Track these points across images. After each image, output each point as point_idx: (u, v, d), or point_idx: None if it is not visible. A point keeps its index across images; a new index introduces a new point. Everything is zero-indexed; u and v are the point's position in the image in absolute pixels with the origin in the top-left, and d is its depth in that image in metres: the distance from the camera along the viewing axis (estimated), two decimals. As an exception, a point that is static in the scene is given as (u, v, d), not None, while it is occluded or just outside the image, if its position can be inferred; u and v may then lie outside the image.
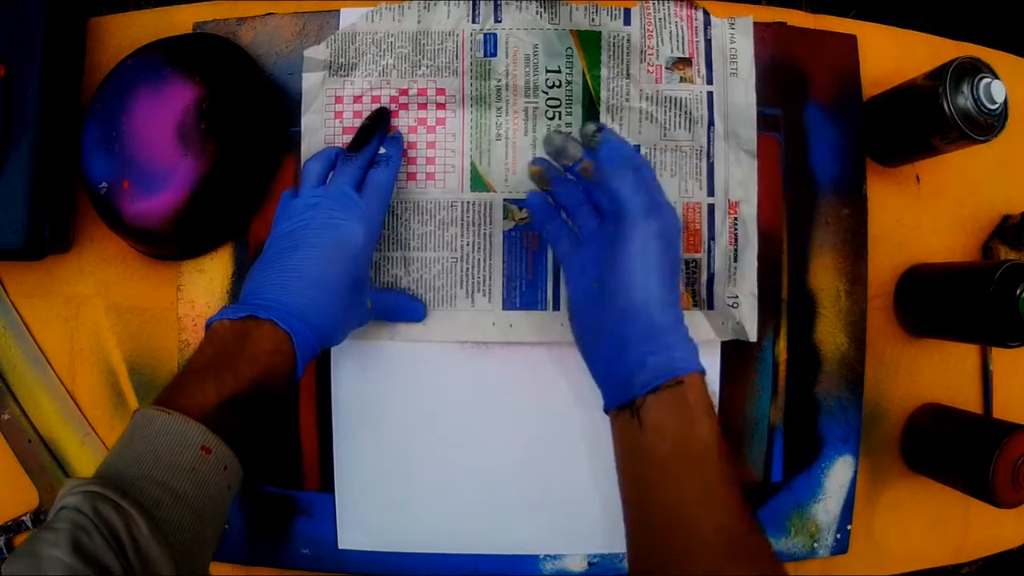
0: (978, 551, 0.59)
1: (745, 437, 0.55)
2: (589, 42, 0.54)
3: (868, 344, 0.55)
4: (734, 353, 0.54)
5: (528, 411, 0.54)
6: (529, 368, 0.53)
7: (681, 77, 0.54)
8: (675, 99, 0.54)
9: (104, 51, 0.57)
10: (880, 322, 0.57)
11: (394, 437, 0.54)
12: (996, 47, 0.58)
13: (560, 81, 0.53)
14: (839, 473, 0.55)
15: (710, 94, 0.54)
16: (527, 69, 0.53)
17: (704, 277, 0.53)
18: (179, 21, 0.57)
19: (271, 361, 0.41)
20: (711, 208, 0.53)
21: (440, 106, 0.53)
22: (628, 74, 0.54)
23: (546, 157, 0.49)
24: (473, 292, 0.53)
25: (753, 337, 0.53)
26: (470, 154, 0.53)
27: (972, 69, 0.48)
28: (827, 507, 0.55)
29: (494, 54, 0.54)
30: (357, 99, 0.54)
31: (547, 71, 0.53)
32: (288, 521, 0.54)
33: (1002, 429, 0.50)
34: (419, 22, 0.54)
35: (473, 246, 0.53)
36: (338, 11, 0.55)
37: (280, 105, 0.55)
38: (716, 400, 0.41)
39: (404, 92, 0.54)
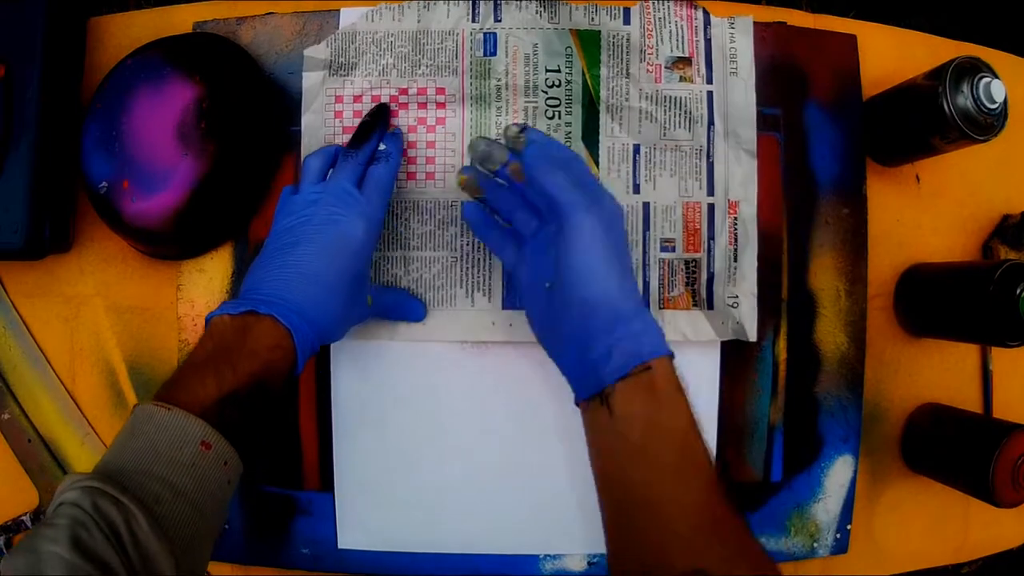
0: (978, 551, 0.59)
1: (745, 437, 0.55)
2: (589, 41, 0.54)
3: (868, 344, 0.55)
4: (734, 353, 0.54)
5: (528, 411, 0.54)
6: (529, 368, 0.53)
7: (681, 76, 0.54)
8: (675, 98, 0.54)
9: (104, 51, 0.57)
10: (880, 322, 0.57)
11: (394, 437, 0.54)
12: (996, 47, 0.58)
13: (560, 80, 0.53)
14: (839, 473, 0.55)
15: (710, 93, 0.54)
16: (527, 68, 0.54)
17: (704, 277, 0.53)
18: (179, 21, 0.57)
19: (271, 357, 0.41)
20: (711, 208, 0.53)
21: (440, 105, 0.53)
22: (628, 73, 0.54)
23: (474, 165, 0.49)
24: (473, 291, 0.53)
25: (753, 337, 0.53)
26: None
27: (972, 69, 0.48)
28: (827, 507, 0.55)
29: (494, 53, 0.54)
30: (357, 98, 0.54)
31: (547, 70, 0.53)
32: (288, 521, 0.54)
33: (1002, 429, 0.50)
34: (419, 21, 0.54)
35: (473, 245, 0.53)
36: (338, 11, 0.55)
37: (280, 105, 0.55)
38: (686, 384, 0.41)
39: (404, 91, 0.54)
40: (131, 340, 0.56)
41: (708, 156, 0.54)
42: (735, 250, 0.53)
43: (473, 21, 0.54)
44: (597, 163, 0.53)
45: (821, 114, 0.56)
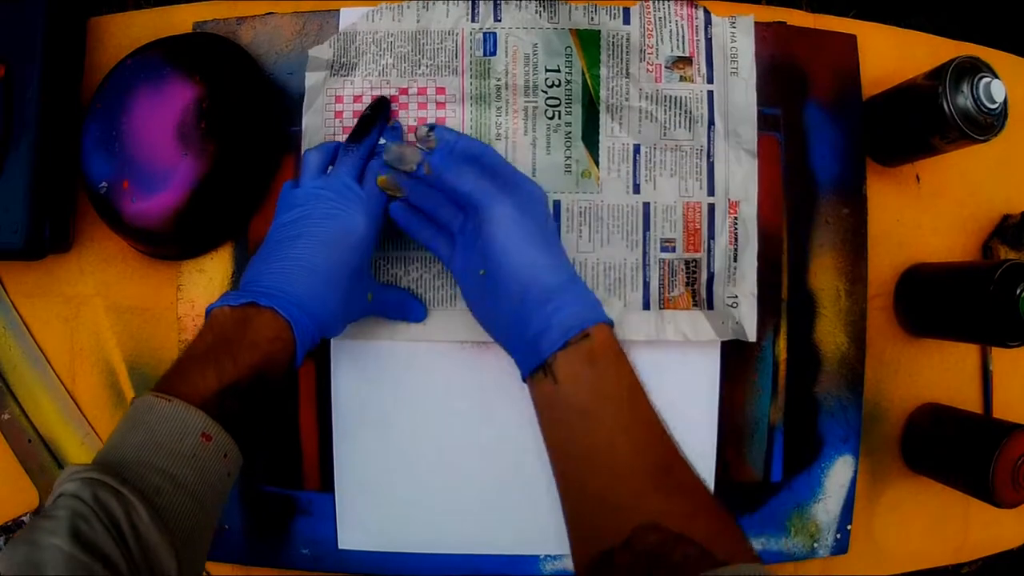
0: (978, 551, 0.59)
1: (745, 437, 0.55)
2: (588, 41, 0.54)
3: (868, 344, 0.55)
4: (734, 353, 0.54)
5: (528, 411, 0.53)
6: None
7: (681, 76, 0.54)
8: (675, 98, 0.53)
9: (104, 51, 0.57)
10: (880, 322, 0.57)
11: (394, 437, 0.54)
12: (996, 47, 0.59)
13: (560, 80, 0.53)
14: (839, 473, 0.55)
15: (710, 93, 0.54)
16: (527, 68, 0.53)
17: (704, 277, 0.53)
18: (179, 21, 0.57)
19: (271, 348, 0.41)
20: (711, 208, 0.53)
21: (440, 105, 0.53)
22: (628, 73, 0.54)
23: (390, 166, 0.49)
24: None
25: (752, 337, 0.53)
26: (470, 154, 0.53)
27: (972, 69, 0.48)
28: (827, 507, 0.55)
29: (493, 53, 0.54)
30: (357, 99, 0.54)
31: (546, 70, 0.53)
32: (288, 521, 0.54)
33: (1002, 429, 0.50)
34: (418, 21, 0.54)
35: (473, 246, 0.53)
36: (338, 11, 0.55)
37: (280, 105, 0.55)
38: (627, 350, 0.42)
39: (404, 91, 0.54)
40: (131, 340, 0.56)
41: (708, 156, 0.54)
42: (735, 250, 0.53)
43: (473, 21, 0.54)
44: (597, 163, 0.53)
45: (821, 114, 0.56)
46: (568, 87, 0.53)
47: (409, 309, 0.52)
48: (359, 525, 0.54)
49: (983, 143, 0.49)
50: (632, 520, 0.35)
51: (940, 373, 0.57)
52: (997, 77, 0.48)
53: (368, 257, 0.49)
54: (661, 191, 0.53)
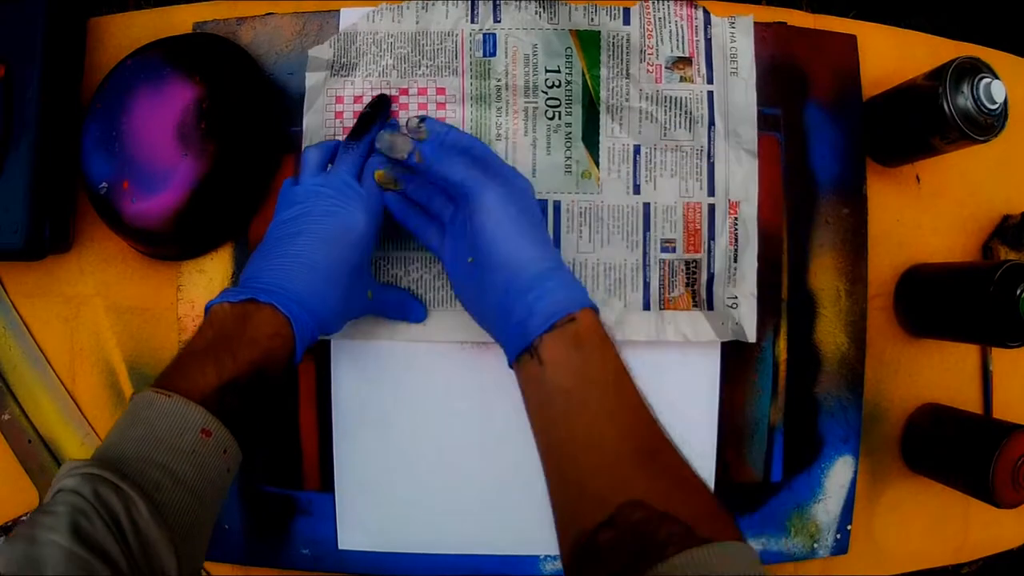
0: (978, 551, 0.59)
1: (745, 437, 0.55)
2: (588, 42, 0.54)
3: (868, 344, 0.55)
4: (734, 353, 0.54)
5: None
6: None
7: (681, 76, 0.54)
8: (675, 99, 0.53)
9: (104, 51, 0.57)
10: (880, 322, 0.57)
11: (394, 437, 0.54)
12: (996, 47, 0.58)
13: (560, 81, 0.53)
14: (839, 473, 0.55)
15: (710, 93, 0.54)
16: (526, 69, 0.53)
17: (704, 277, 0.53)
18: (179, 21, 0.57)
19: (271, 345, 0.41)
20: (711, 208, 0.53)
21: (440, 105, 0.53)
22: (628, 74, 0.54)
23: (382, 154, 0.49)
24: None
25: (752, 338, 0.53)
26: (470, 154, 0.53)
27: (972, 69, 0.48)
28: (827, 507, 0.55)
29: (493, 54, 0.54)
30: (358, 99, 0.54)
31: (546, 71, 0.53)
32: (288, 521, 0.54)
33: (1002, 429, 0.50)
34: (417, 23, 0.54)
35: (473, 246, 0.53)
36: (338, 11, 0.55)
37: (280, 105, 0.55)
38: (613, 335, 0.42)
39: (404, 92, 0.54)
40: (131, 340, 0.56)
41: (709, 156, 0.54)
42: (735, 250, 0.53)
43: (472, 22, 0.54)
44: (597, 163, 0.53)
45: (821, 114, 0.56)
46: (568, 88, 0.53)
47: (409, 309, 0.52)
48: (359, 525, 0.54)
49: (983, 143, 0.49)
50: (616, 499, 0.35)
51: (940, 373, 0.57)
52: (997, 77, 0.48)
53: (368, 255, 0.49)
54: (661, 191, 0.53)
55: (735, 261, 0.53)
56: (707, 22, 0.54)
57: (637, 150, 0.53)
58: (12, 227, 0.52)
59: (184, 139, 0.50)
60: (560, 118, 0.53)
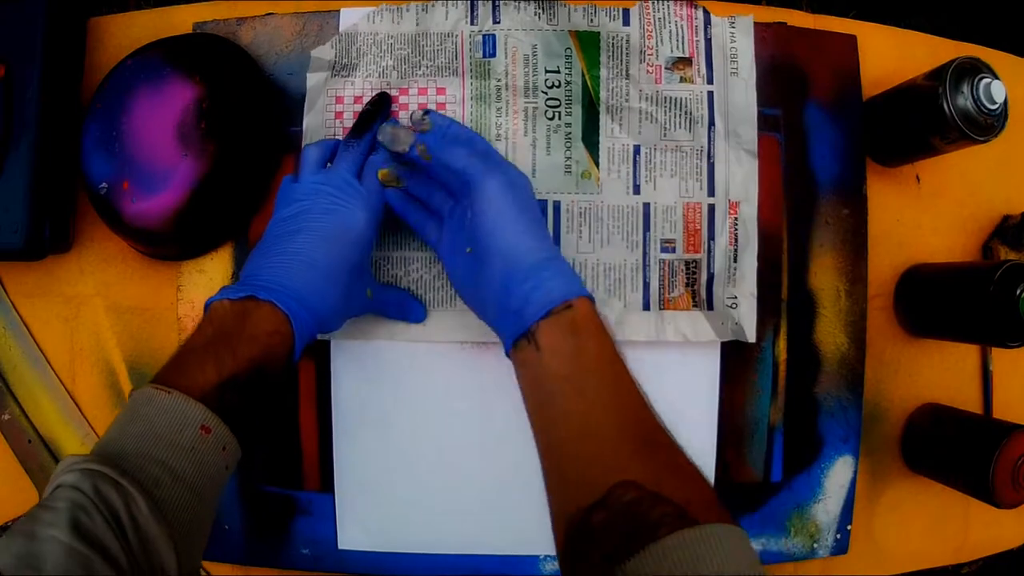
0: (978, 551, 0.59)
1: (745, 437, 0.55)
2: (588, 42, 0.54)
3: (868, 344, 0.55)
4: (734, 353, 0.54)
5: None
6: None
7: (681, 77, 0.54)
8: (675, 99, 0.53)
9: (104, 51, 0.57)
10: (880, 322, 0.57)
11: (394, 437, 0.54)
12: (996, 47, 0.58)
13: (559, 81, 0.53)
14: (839, 473, 0.55)
15: (710, 94, 0.54)
16: (526, 69, 0.53)
17: (704, 277, 0.53)
18: (179, 21, 0.57)
19: (270, 342, 0.41)
20: (711, 208, 0.53)
21: (440, 106, 0.53)
22: (627, 74, 0.54)
23: (388, 154, 0.50)
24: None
25: (752, 338, 0.53)
26: (470, 154, 0.53)
27: (972, 69, 0.48)
28: (827, 507, 0.55)
29: (493, 55, 0.54)
30: (358, 99, 0.54)
31: (546, 71, 0.53)
32: (288, 521, 0.54)
33: (1002, 429, 0.50)
34: (417, 24, 0.54)
35: (473, 246, 0.53)
36: (338, 12, 0.55)
37: (280, 105, 0.55)
38: (609, 324, 0.43)
39: (404, 92, 0.54)
40: (131, 340, 0.56)
41: (709, 156, 0.54)
42: (735, 250, 0.53)
43: (472, 23, 0.54)
44: (597, 164, 0.53)
45: (821, 114, 0.56)
46: (568, 88, 0.53)
47: (409, 309, 0.53)
48: (359, 525, 0.54)
49: (983, 143, 0.49)
50: (609, 480, 0.35)
51: (940, 373, 0.57)
52: (997, 77, 0.48)
53: (368, 253, 0.49)
54: (661, 192, 0.53)
55: (735, 261, 0.53)
56: (707, 22, 0.54)
57: (637, 150, 0.53)
58: (12, 227, 0.52)
59: (184, 139, 0.50)
60: (560, 118, 0.53)
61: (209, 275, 0.55)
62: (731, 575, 0.30)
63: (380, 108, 0.51)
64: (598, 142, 0.53)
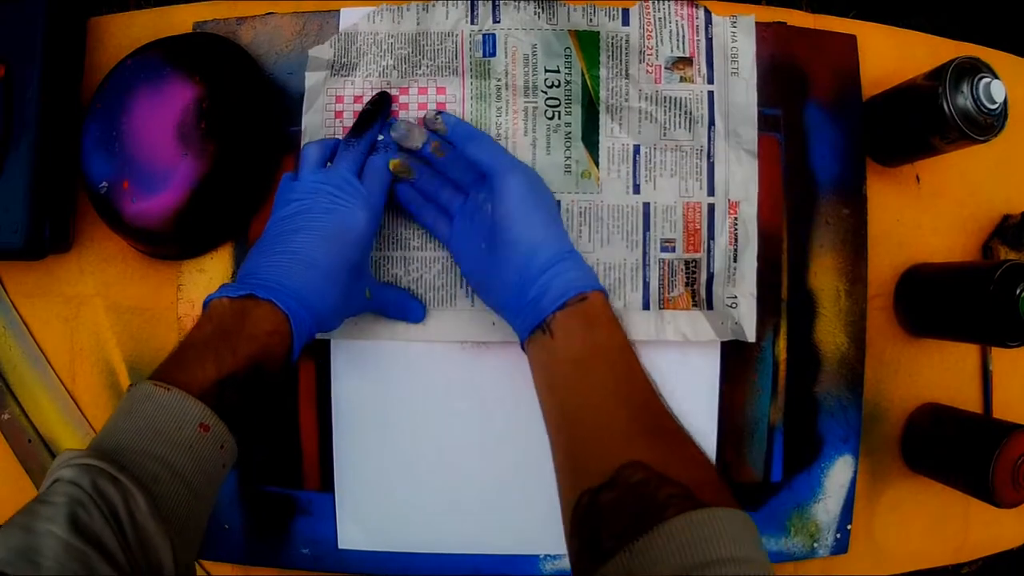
0: (978, 551, 0.59)
1: (745, 437, 0.55)
2: (588, 42, 0.54)
3: (868, 344, 0.55)
4: (734, 353, 0.54)
5: (528, 411, 0.53)
6: (529, 368, 0.53)
7: (681, 77, 0.54)
8: (675, 99, 0.53)
9: (104, 51, 0.57)
10: (880, 322, 0.57)
11: (394, 437, 0.54)
12: (996, 47, 0.58)
13: (559, 81, 0.53)
14: (839, 473, 0.55)
15: (711, 93, 0.54)
16: (526, 69, 0.53)
17: (704, 277, 0.53)
18: (179, 21, 0.57)
19: (269, 341, 0.42)
20: (711, 208, 0.53)
21: (440, 105, 0.53)
22: (627, 74, 0.54)
23: (400, 148, 0.51)
24: (473, 292, 0.53)
25: (752, 338, 0.53)
26: (470, 154, 0.53)
27: (972, 69, 0.48)
28: (827, 507, 0.55)
29: (493, 54, 0.54)
30: (357, 99, 0.54)
31: (546, 71, 0.53)
32: (288, 521, 0.54)
33: (1002, 429, 0.50)
34: (418, 24, 0.54)
35: (473, 246, 0.53)
36: (338, 11, 0.55)
37: (280, 105, 0.55)
38: (621, 317, 0.44)
39: (405, 91, 0.54)
40: (131, 340, 0.56)
41: (708, 156, 0.54)
42: (735, 250, 0.53)
43: (472, 23, 0.54)
44: (597, 163, 0.53)
45: (821, 114, 0.56)
46: (568, 88, 0.53)
47: (408, 309, 0.53)
48: (359, 525, 0.54)
49: (983, 143, 0.49)
50: (617, 461, 0.35)
51: (940, 373, 0.57)
52: (997, 77, 0.48)
53: (367, 253, 0.49)
54: (661, 191, 0.53)
55: (735, 261, 0.53)
56: (708, 22, 0.54)
57: (637, 150, 0.53)
58: (12, 227, 0.52)
59: (184, 139, 0.50)
60: (560, 118, 0.53)
61: (209, 275, 0.55)
62: (736, 556, 0.30)
63: (380, 108, 0.51)
64: (598, 142, 0.53)
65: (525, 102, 0.53)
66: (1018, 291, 0.47)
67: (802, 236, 0.55)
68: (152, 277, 0.56)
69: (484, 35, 0.54)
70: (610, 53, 0.54)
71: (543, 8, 0.54)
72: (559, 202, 0.53)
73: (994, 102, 0.48)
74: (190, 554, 0.37)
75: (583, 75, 0.54)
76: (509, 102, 0.53)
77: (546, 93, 0.53)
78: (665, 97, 0.53)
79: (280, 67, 0.56)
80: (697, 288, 0.53)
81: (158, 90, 0.51)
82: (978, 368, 0.58)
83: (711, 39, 0.54)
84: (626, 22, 0.54)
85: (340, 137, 0.52)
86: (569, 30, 0.54)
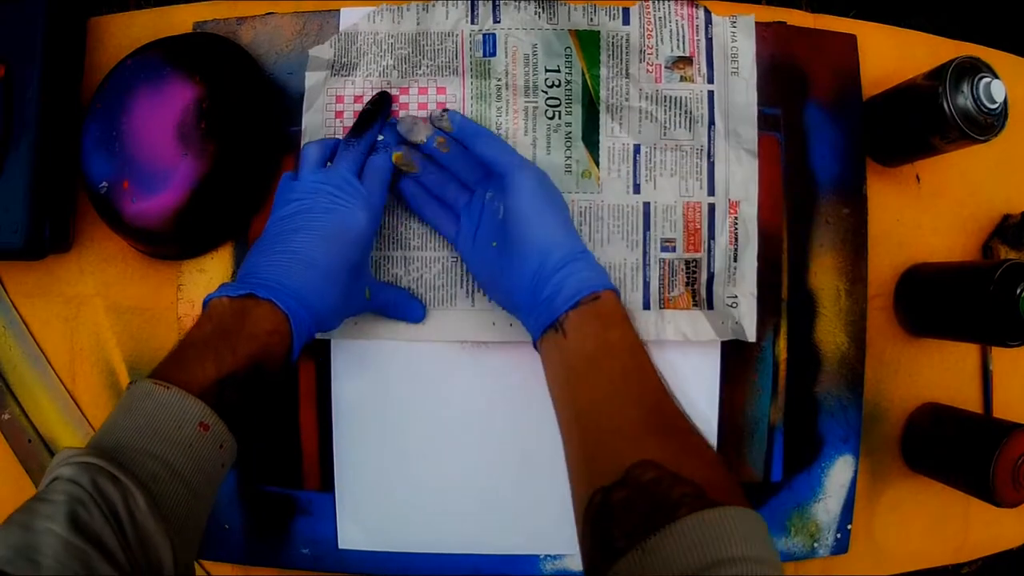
0: (978, 551, 0.59)
1: (745, 437, 0.55)
2: (588, 42, 0.54)
3: (868, 344, 0.55)
4: (734, 353, 0.54)
5: (528, 411, 0.54)
6: (529, 368, 0.53)
7: (681, 76, 0.54)
8: (675, 98, 0.53)
9: (104, 51, 0.57)
10: (880, 322, 0.57)
11: (394, 437, 0.54)
12: (996, 47, 0.58)
13: (559, 81, 0.53)
14: (839, 473, 0.55)
15: (711, 93, 0.54)
16: (526, 69, 0.53)
17: (704, 277, 0.53)
18: (179, 21, 0.57)
19: (269, 341, 0.41)
20: (711, 208, 0.53)
21: (440, 105, 0.53)
22: (627, 73, 0.54)
23: (404, 143, 0.51)
24: (473, 292, 0.53)
25: (752, 337, 0.53)
26: (470, 154, 0.53)
27: (972, 69, 0.48)
28: (827, 507, 0.55)
29: (493, 54, 0.54)
30: (358, 99, 0.54)
31: (546, 71, 0.53)
32: (288, 521, 0.54)
33: (1002, 429, 0.50)
34: (418, 24, 0.54)
35: (473, 246, 0.53)
36: (338, 11, 0.55)
37: (280, 105, 0.55)
38: (633, 316, 0.44)
39: (405, 91, 0.54)
40: (131, 340, 0.56)
41: (709, 156, 0.54)
42: (735, 250, 0.53)
43: (472, 23, 0.54)
44: (597, 163, 0.53)
45: (821, 114, 0.56)
46: (568, 87, 0.53)
47: (408, 309, 0.52)
48: (359, 525, 0.54)
49: (983, 143, 0.49)
50: (629, 459, 0.36)
51: (940, 373, 0.57)
52: (997, 77, 0.48)
53: (367, 253, 0.49)
54: (661, 191, 0.53)
55: (735, 260, 0.53)
56: (708, 21, 0.54)
57: (637, 150, 0.53)
58: (12, 227, 0.52)
59: (184, 139, 0.50)
60: (560, 118, 0.53)
61: (209, 275, 0.55)
62: (748, 556, 0.30)
63: (380, 107, 0.51)
64: (598, 141, 0.53)
65: (525, 102, 0.53)
66: (1018, 291, 0.47)
67: (802, 236, 0.55)
68: (152, 277, 0.56)
69: (484, 35, 0.54)
70: (610, 52, 0.54)
71: (543, 8, 0.54)
72: None
73: (994, 102, 0.48)
74: (190, 553, 0.37)
75: (583, 75, 0.54)
76: (509, 102, 0.53)
77: (546, 93, 0.53)
78: (665, 97, 0.53)
79: (280, 67, 0.55)
80: (697, 288, 0.53)
81: (158, 90, 0.51)
82: (978, 368, 0.58)
83: (711, 39, 0.54)
84: (627, 21, 0.54)
85: (340, 137, 0.52)
86: (569, 30, 0.54)
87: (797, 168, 0.55)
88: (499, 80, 0.53)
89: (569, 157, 0.53)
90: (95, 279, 0.56)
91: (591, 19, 0.54)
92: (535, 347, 0.45)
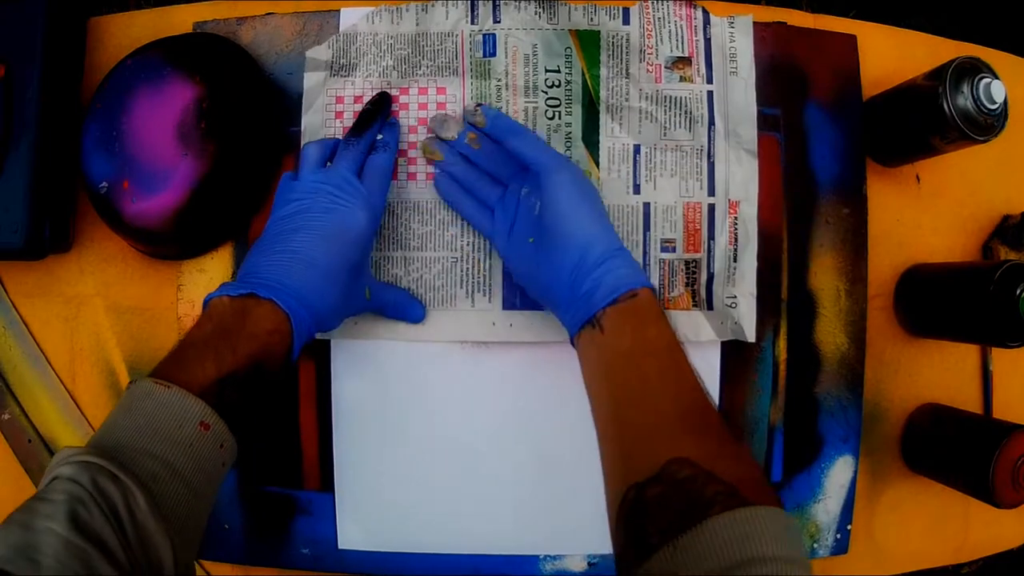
0: (978, 551, 0.59)
1: (745, 437, 0.55)
2: (588, 42, 0.54)
3: (868, 344, 0.55)
4: (734, 353, 0.54)
5: (528, 411, 0.54)
6: (529, 368, 0.53)
7: (681, 76, 0.54)
8: (675, 98, 0.53)
9: (104, 51, 0.57)
10: (880, 322, 0.57)
11: (394, 437, 0.54)
12: (996, 47, 0.58)
13: (559, 81, 0.53)
14: (839, 473, 0.55)
15: (710, 93, 0.54)
16: (526, 69, 0.53)
17: (704, 277, 0.53)
18: (179, 21, 0.57)
19: (270, 340, 0.41)
20: (711, 208, 0.53)
21: (440, 105, 0.53)
22: (627, 74, 0.54)
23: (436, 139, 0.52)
24: (473, 292, 0.53)
25: (751, 338, 0.53)
26: (470, 154, 0.53)
27: (972, 69, 0.48)
28: (827, 507, 0.55)
29: (493, 54, 0.54)
30: (358, 99, 0.54)
31: (546, 71, 0.53)
32: (288, 521, 0.54)
33: (1002, 429, 0.50)
34: (417, 24, 0.54)
35: (473, 246, 0.53)
36: (338, 11, 0.55)
37: (280, 105, 0.55)
38: (669, 314, 0.44)
39: (405, 91, 0.54)
40: (131, 340, 0.56)
41: (708, 156, 0.54)
42: (735, 250, 0.53)
43: (472, 23, 0.54)
44: (597, 163, 0.53)
45: (821, 114, 0.56)
46: (568, 87, 0.53)
47: (407, 309, 0.53)
48: (359, 525, 0.54)
49: (983, 143, 0.49)
50: (665, 455, 0.36)
51: (940, 373, 0.57)
52: (997, 77, 0.48)
53: (367, 253, 0.49)
54: (661, 191, 0.53)
55: (735, 261, 0.53)
56: (706, 22, 0.54)
57: (637, 150, 0.53)
58: (12, 227, 0.52)
59: (184, 139, 0.50)
60: (560, 118, 0.53)
61: (209, 275, 0.55)
62: (778, 555, 0.31)
63: (380, 107, 0.51)
64: (598, 141, 0.53)
65: (525, 102, 0.53)
66: (1018, 291, 0.47)
67: (802, 236, 0.55)
68: (152, 277, 0.56)
69: (484, 35, 0.54)
70: (611, 52, 0.54)
71: (543, 8, 0.54)
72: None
73: (994, 102, 0.48)
74: (190, 553, 0.37)
75: (583, 75, 0.54)
76: (509, 102, 0.53)
77: (546, 93, 0.53)
78: (665, 97, 0.53)
79: (280, 67, 0.56)
80: (697, 288, 0.53)
81: (158, 90, 0.51)
82: (978, 368, 0.58)
83: (709, 39, 0.54)
84: (627, 21, 0.54)
85: (340, 137, 0.52)
86: (570, 30, 0.54)
87: (797, 168, 0.55)
88: (499, 80, 0.53)
89: (569, 157, 0.53)
90: (95, 279, 0.56)
91: (591, 19, 0.54)
92: (572, 344, 0.45)
